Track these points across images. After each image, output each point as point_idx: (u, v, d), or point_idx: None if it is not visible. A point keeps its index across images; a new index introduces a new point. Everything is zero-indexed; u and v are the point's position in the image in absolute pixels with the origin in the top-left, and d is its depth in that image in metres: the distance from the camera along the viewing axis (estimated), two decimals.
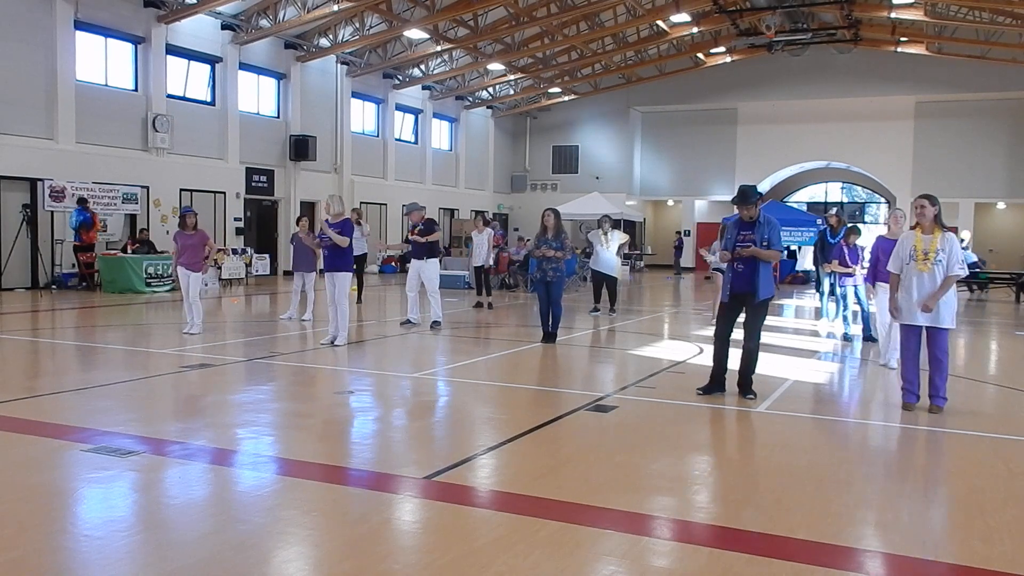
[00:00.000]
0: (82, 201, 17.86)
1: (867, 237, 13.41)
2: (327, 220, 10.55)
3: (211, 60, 22.35)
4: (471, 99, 33.43)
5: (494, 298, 16.69)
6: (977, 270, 20.33)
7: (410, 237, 12.46)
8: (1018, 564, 3.79)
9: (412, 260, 12.57)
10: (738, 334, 7.38)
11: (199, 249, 11.25)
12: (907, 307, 6.89)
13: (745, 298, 7.29)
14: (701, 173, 35.10)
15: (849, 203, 36.80)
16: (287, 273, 19.65)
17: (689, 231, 35.18)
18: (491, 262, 16.66)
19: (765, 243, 7.18)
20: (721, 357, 7.45)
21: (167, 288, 17.86)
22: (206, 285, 18.27)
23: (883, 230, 10.66)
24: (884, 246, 8.51)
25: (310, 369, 8.85)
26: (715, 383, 7.47)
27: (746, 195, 7.29)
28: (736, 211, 7.50)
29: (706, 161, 34.93)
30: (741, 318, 7.40)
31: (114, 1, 19.44)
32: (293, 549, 3.89)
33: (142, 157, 20.28)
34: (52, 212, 18.00)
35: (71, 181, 18.01)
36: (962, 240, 18.34)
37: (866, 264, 10.17)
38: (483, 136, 35.51)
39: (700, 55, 30.86)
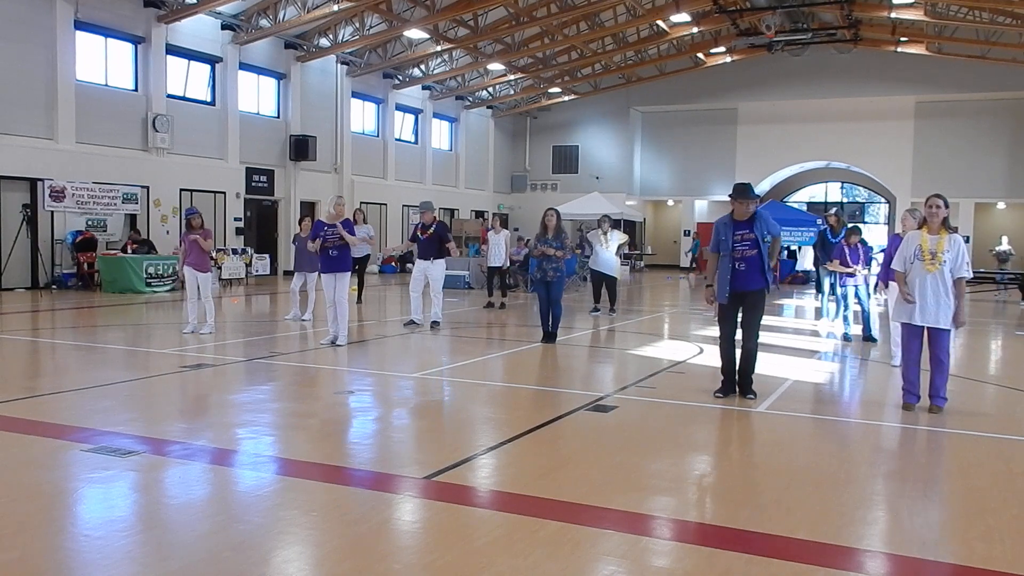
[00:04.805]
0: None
1: (867, 237, 13.40)
2: (325, 220, 10.58)
3: (211, 60, 22.34)
4: (471, 99, 33.41)
5: (507, 299, 16.74)
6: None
7: (419, 236, 12.42)
8: (1018, 564, 3.79)
9: (418, 260, 12.56)
10: (737, 333, 7.39)
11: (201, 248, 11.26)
12: (909, 307, 6.87)
13: (746, 296, 7.26)
14: (701, 173, 35.08)
15: (849, 203, 36.78)
16: (287, 273, 19.65)
17: (689, 231, 35.18)
18: (507, 263, 16.76)
19: (767, 239, 7.16)
20: (730, 357, 7.39)
21: (167, 288, 17.84)
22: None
23: (884, 230, 10.63)
24: (898, 244, 8.49)
25: (310, 369, 8.85)
26: (729, 384, 7.43)
27: (746, 190, 7.23)
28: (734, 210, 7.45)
29: (706, 161, 34.91)
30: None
31: (114, 1, 19.43)
32: (293, 549, 3.89)
33: (142, 157, 20.28)
34: (52, 212, 18.00)
35: (71, 181, 18.00)
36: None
37: (874, 266, 10.13)
38: (483, 136, 35.49)
39: (700, 55, 30.84)
